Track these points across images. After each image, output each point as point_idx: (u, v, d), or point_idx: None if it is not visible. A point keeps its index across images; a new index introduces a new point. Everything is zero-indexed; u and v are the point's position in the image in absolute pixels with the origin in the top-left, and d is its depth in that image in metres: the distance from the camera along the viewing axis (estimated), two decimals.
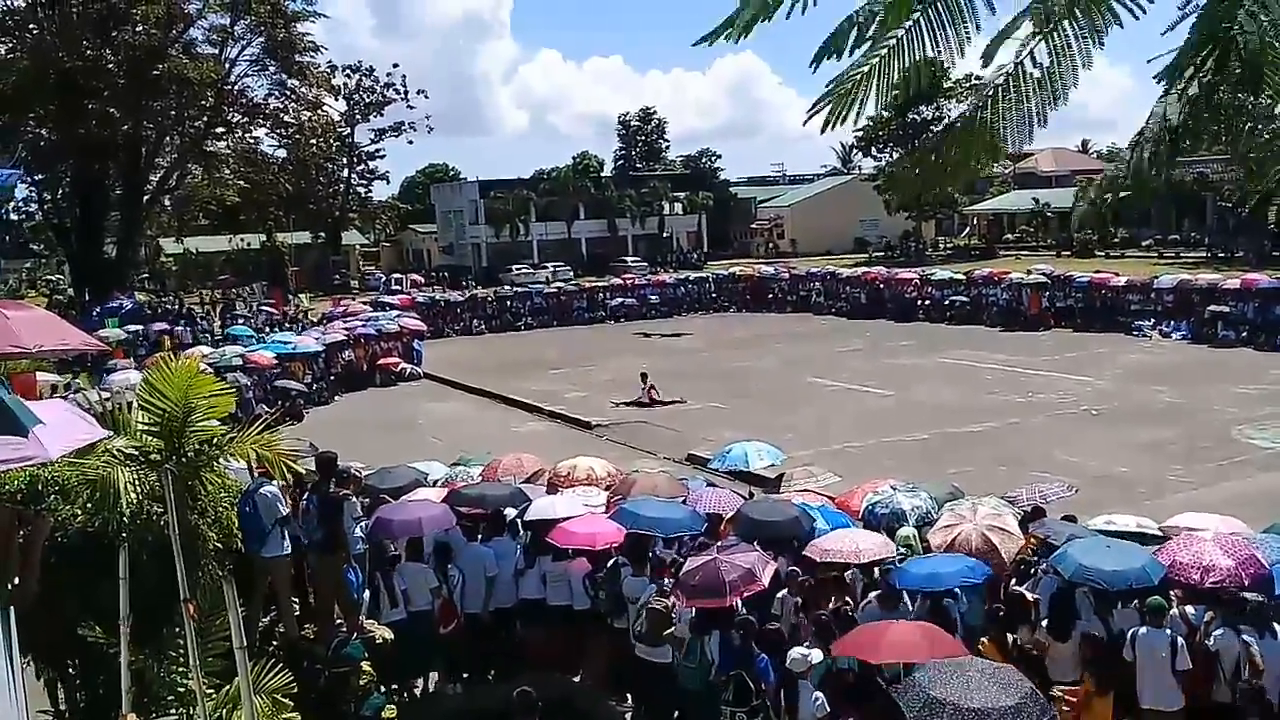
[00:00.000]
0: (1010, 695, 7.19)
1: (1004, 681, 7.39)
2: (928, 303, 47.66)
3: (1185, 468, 20.16)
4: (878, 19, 5.01)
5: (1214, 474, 19.58)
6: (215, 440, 9.07)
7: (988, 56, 5.02)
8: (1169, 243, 60.95)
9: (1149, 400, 26.61)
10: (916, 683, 7.36)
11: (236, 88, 57.60)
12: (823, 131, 5.16)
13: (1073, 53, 4.87)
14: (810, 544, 11.08)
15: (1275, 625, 8.89)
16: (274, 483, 10.07)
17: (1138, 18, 4.81)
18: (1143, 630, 8.93)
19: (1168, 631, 8.90)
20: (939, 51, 5.09)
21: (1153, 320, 38.90)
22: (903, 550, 11.03)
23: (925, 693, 7.16)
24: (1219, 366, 31.08)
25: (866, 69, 5.09)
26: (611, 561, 10.89)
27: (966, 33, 5.02)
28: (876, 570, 10.74)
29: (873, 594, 10.37)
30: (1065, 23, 4.85)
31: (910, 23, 5.03)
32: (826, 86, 5.13)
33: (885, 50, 5.07)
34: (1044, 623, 9.53)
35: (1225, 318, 36.43)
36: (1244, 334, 35.38)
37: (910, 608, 10.01)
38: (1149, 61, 4.63)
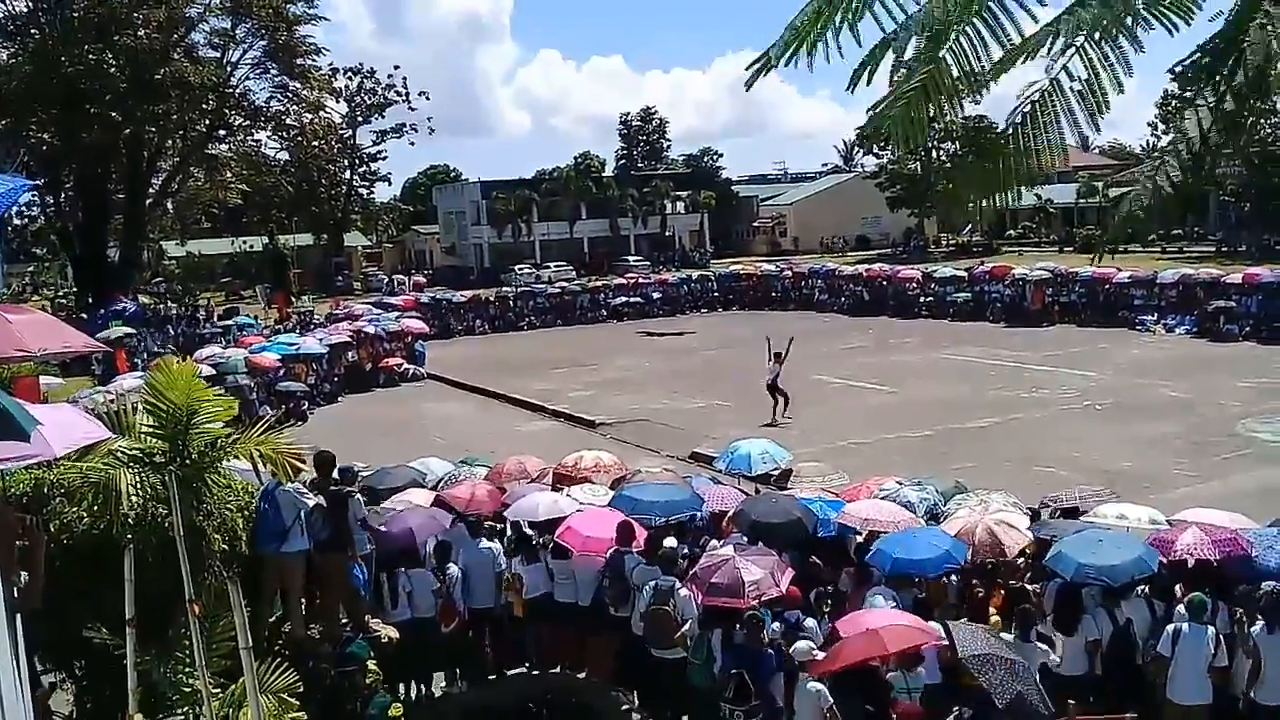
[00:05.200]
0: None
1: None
2: (930, 299, 47.67)
3: (1189, 462, 20.15)
4: (915, 40, 4.91)
5: (1218, 468, 19.57)
6: (218, 442, 9.07)
7: (1002, 70, 4.85)
8: (1172, 237, 60.88)
9: (1152, 395, 26.58)
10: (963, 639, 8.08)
11: (238, 91, 57.44)
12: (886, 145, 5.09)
13: (1112, 63, 4.68)
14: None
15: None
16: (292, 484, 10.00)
17: (1177, 30, 4.66)
18: (1185, 627, 8.88)
19: (1210, 628, 8.85)
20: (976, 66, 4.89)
21: (1156, 315, 38.92)
22: None
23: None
24: (1222, 361, 31.05)
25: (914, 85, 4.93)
26: (612, 550, 10.90)
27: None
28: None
29: (845, 569, 10.78)
30: (1103, 34, 4.67)
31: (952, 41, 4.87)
32: (874, 110, 5.04)
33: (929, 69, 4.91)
34: (1049, 618, 9.51)
35: (1228, 312, 36.44)
36: (1247, 328, 35.38)
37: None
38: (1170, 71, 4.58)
